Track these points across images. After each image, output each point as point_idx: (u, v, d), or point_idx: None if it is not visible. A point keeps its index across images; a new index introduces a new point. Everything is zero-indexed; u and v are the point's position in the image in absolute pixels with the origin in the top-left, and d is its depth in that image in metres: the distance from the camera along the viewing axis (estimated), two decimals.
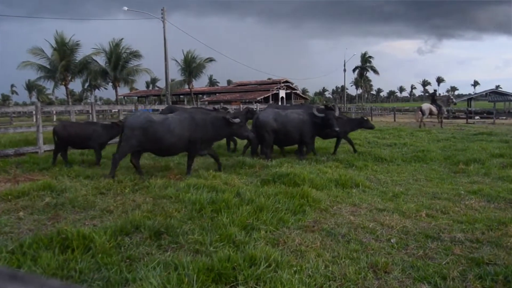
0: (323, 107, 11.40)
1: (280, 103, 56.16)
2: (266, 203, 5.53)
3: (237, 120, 8.59)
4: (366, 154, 11.09)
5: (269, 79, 74.08)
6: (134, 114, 8.30)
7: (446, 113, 25.64)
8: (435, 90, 32.05)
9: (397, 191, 7.07)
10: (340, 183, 7.37)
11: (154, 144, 8.01)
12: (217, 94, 67.19)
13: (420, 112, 24.29)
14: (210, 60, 51.06)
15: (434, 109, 24.58)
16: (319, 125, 10.66)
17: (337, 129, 10.51)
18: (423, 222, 5.26)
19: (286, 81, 65.15)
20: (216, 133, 8.54)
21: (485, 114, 35.52)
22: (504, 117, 35.26)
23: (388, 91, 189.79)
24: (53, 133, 9.76)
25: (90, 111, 14.76)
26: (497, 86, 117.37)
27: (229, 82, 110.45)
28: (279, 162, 9.51)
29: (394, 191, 7.03)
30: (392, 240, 4.55)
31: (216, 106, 14.77)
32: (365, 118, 12.74)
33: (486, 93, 53.54)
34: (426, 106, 24.66)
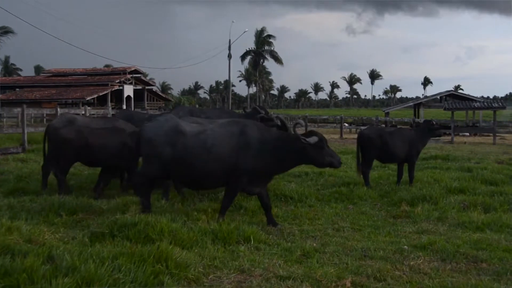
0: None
1: (124, 105, 55.79)
2: (98, 273, 5.44)
3: (313, 139, 8.51)
4: None
5: (107, 66, 73.30)
6: (154, 121, 9.15)
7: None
8: None
9: (308, 247, 7.35)
10: (220, 237, 7.50)
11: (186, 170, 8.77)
12: (17, 89, 64.63)
13: None
14: (5, 31, 49.24)
15: None
16: None
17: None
18: None
19: (136, 71, 64.98)
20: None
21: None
22: (466, 133, 38.30)
23: (297, 91, 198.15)
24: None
25: None
26: (457, 87, 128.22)
27: (38, 70, 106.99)
28: (121, 203, 9.38)
29: (304, 248, 7.31)
30: None
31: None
32: (432, 122, 13.26)
33: (441, 97, 58.72)
34: None
